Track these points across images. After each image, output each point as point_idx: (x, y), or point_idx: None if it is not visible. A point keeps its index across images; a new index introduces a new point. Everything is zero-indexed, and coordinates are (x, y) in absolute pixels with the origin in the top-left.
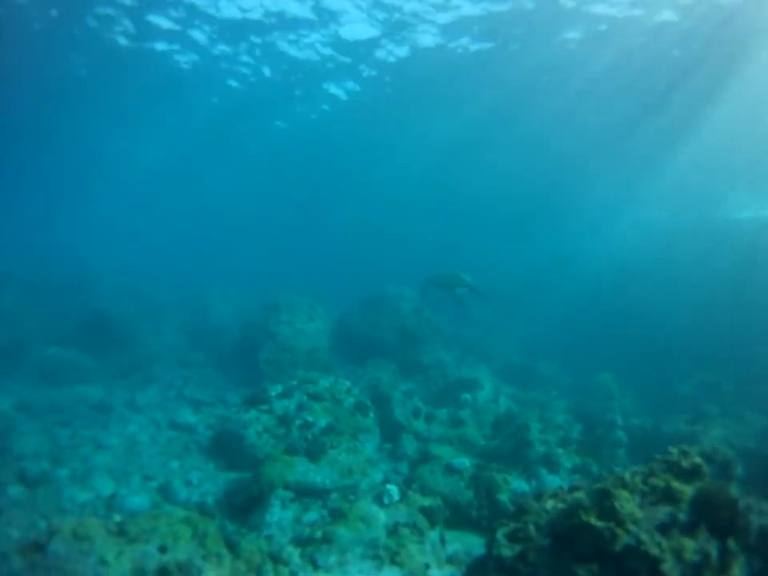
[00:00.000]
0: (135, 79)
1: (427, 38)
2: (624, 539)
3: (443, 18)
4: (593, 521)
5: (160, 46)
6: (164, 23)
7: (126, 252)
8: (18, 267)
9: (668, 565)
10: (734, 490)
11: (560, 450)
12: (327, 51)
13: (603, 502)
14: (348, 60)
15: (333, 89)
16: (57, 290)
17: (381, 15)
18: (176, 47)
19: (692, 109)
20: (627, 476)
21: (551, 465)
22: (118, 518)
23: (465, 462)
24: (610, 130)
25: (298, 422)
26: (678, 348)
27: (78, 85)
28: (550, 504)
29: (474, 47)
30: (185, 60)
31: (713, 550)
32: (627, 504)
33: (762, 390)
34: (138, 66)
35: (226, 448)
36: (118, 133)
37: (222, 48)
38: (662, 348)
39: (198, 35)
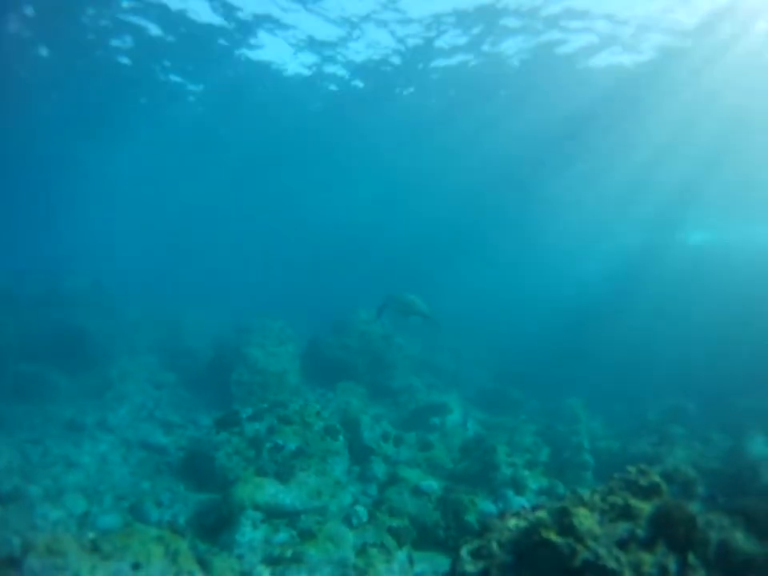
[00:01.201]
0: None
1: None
2: (583, 554)
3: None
4: (553, 537)
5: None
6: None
7: (102, 268)
8: None
9: None
10: (694, 508)
11: (526, 472)
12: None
13: (563, 520)
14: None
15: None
16: (31, 305)
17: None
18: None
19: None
20: (586, 495)
21: (518, 487)
22: (91, 534)
23: (433, 484)
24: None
25: (268, 444)
26: (647, 372)
27: (67, 98)
28: (512, 522)
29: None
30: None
31: (671, 563)
32: (586, 521)
33: (728, 412)
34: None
35: (196, 469)
36: (100, 148)
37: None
38: (630, 373)
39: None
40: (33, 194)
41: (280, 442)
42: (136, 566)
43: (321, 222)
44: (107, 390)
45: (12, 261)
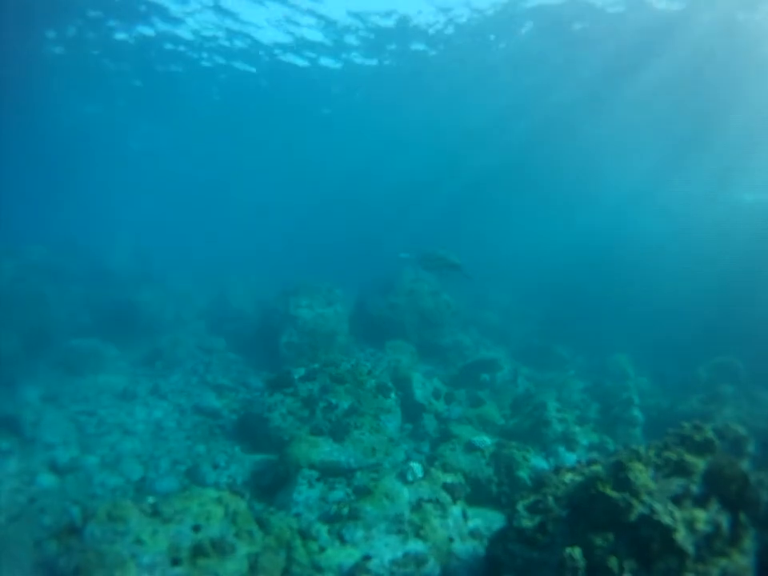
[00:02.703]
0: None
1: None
2: (638, 509)
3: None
4: (609, 492)
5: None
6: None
7: (146, 240)
8: (41, 258)
9: (680, 534)
10: (745, 466)
11: (577, 428)
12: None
13: (618, 474)
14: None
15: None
16: (79, 281)
17: None
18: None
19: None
20: (642, 449)
21: (569, 442)
22: (151, 499)
23: (485, 439)
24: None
25: (321, 404)
26: (696, 330)
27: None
28: (568, 477)
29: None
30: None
31: (724, 521)
32: (641, 476)
33: None
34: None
35: (251, 431)
36: (143, 122)
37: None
38: (678, 329)
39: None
40: (73, 169)
41: (333, 401)
42: (196, 528)
43: (363, 182)
44: (158, 358)
45: (56, 236)
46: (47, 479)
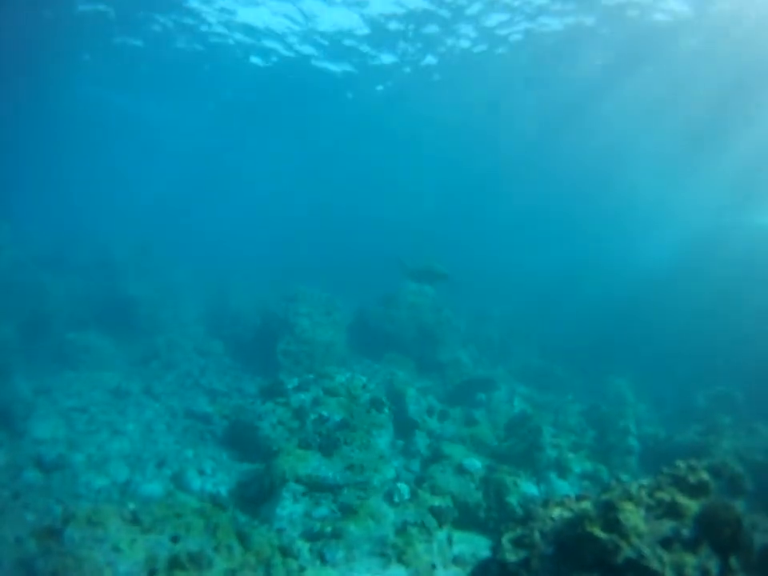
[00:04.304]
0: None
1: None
2: (626, 552)
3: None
4: (597, 532)
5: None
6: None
7: (149, 234)
8: (41, 248)
9: None
10: (740, 506)
11: (571, 455)
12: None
13: (608, 514)
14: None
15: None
16: (80, 273)
17: None
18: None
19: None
20: (634, 488)
21: (561, 469)
22: (132, 506)
23: (476, 463)
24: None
25: (312, 416)
26: (695, 357)
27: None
28: (556, 512)
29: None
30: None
31: (713, 567)
32: (632, 517)
33: None
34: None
35: (240, 439)
36: (147, 112)
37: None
38: (679, 356)
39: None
40: (79, 159)
41: (325, 413)
42: (175, 539)
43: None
44: (154, 358)
45: (60, 226)
46: (33, 475)
